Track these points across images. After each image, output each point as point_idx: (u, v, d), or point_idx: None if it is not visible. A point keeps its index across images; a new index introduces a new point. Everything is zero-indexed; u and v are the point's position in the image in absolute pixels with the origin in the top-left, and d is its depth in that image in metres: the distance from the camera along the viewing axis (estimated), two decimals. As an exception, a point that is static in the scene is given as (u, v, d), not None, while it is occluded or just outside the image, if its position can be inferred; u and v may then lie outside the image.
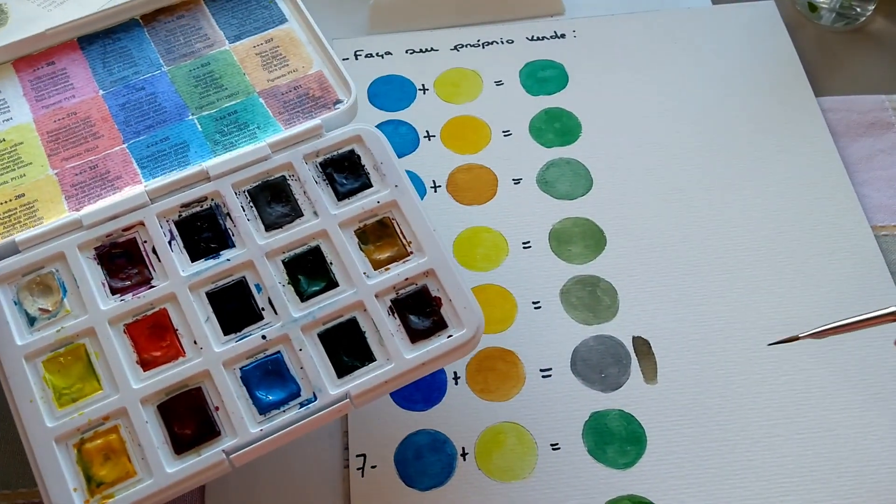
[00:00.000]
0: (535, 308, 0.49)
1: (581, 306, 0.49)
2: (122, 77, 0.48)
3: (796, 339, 0.40)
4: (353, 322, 0.41)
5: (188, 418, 0.39)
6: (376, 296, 0.41)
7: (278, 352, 0.40)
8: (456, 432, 0.45)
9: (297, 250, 0.42)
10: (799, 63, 0.58)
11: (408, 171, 0.51)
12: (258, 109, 0.47)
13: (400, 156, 0.55)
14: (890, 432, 0.44)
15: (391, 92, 0.58)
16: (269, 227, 0.43)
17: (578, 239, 0.51)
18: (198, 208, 0.43)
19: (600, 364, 0.47)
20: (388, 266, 0.42)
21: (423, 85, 0.58)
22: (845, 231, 0.51)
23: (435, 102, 0.57)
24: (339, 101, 0.47)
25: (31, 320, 0.40)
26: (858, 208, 0.52)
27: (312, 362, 0.40)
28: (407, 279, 0.41)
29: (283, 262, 0.42)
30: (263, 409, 0.39)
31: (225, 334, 0.40)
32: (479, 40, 0.60)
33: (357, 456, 0.44)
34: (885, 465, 0.43)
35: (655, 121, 0.56)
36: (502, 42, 0.60)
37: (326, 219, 0.43)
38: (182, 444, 0.38)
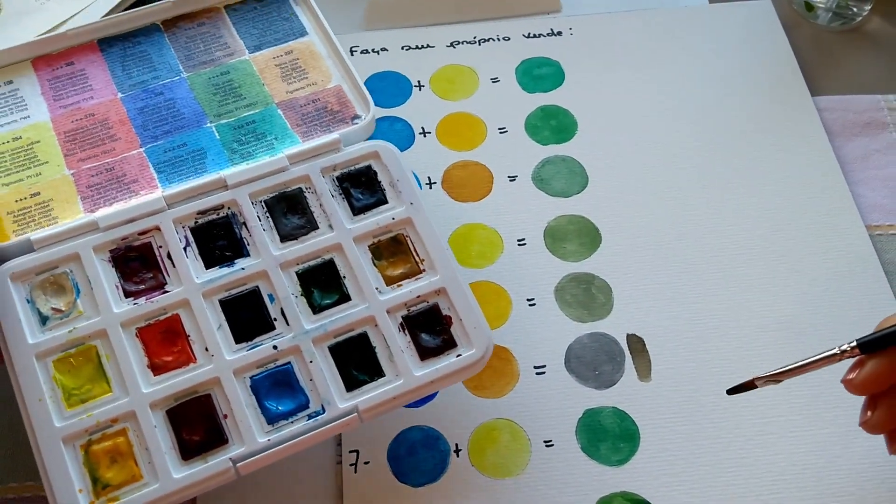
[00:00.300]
0: (530, 305, 0.49)
1: (575, 304, 0.49)
2: (142, 81, 0.48)
3: (754, 386, 0.39)
4: (363, 336, 0.41)
5: (197, 424, 0.39)
6: (388, 312, 0.42)
7: (289, 363, 0.40)
8: (449, 429, 0.45)
9: (312, 262, 0.43)
10: (795, 62, 0.59)
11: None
12: (276, 120, 0.47)
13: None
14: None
15: (387, 88, 0.58)
16: (285, 238, 0.43)
17: (573, 236, 0.51)
18: (214, 216, 0.43)
19: (594, 361, 0.47)
20: (401, 283, 0.42)
21: (418, 81, 0.58)
22: (840, 230, 0.51)
23: (431, 99, 0.57)
24: (357, 117, 0.47)
25: (44, 319, 0.40)
26: (853, 208, 0.52)
27: (322, 375, 0.40)
28: (419, 296, 0.42)
29: (296, 273, 0.42)
30: (272, 419, 0.39)
31: (236, 343, 0.41)
32: (475, 37, 0.60)
33: (350, 452, 0.44)
34: (878, 463, 0.44)
35: (651, 119, 0.56)
36: (499, 39, 0.60)
37: (341, 233, 0.43)
38: (189, 450, 0.38)
